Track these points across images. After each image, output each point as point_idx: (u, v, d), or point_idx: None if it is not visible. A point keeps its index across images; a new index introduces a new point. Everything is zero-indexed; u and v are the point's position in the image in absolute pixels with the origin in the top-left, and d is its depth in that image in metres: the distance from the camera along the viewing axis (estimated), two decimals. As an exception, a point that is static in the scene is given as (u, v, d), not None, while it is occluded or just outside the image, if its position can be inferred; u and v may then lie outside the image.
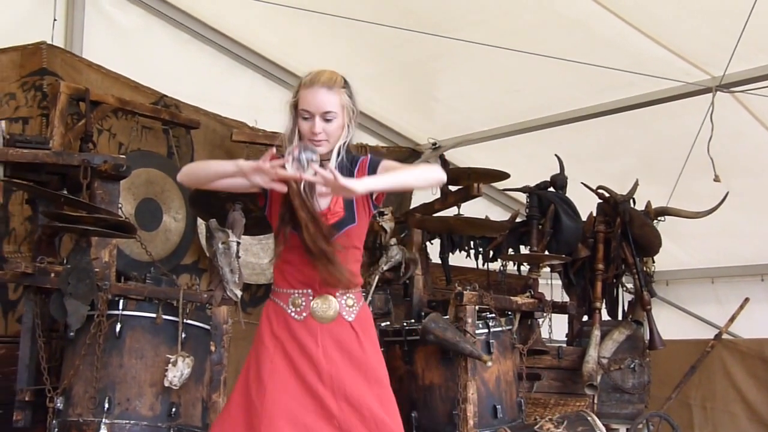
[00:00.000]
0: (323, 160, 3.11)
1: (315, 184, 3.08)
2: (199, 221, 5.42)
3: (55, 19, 5.42)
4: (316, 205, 3.15)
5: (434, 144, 6.81)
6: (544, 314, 5.13)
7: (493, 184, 6.53)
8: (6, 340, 4.38)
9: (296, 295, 3.17)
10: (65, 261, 4.05)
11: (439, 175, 3.14)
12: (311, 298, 3.16)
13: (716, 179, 5.27)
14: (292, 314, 3.16)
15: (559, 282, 5.80)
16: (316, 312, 3.16)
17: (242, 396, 3.14)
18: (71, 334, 3.91)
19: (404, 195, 6.40)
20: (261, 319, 3.24)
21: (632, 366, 5.38)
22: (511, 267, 5.83)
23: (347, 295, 3.22)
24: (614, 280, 5.74)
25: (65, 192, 4.31)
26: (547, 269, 5.75)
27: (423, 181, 3.16)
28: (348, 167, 3.22)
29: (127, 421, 3.84)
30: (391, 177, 3.15)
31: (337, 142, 3.16)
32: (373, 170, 3.21)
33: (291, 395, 3.08)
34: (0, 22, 5.38)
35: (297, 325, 3.15)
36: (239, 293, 4.17)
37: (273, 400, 3.06)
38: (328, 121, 3.13)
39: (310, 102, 3.13)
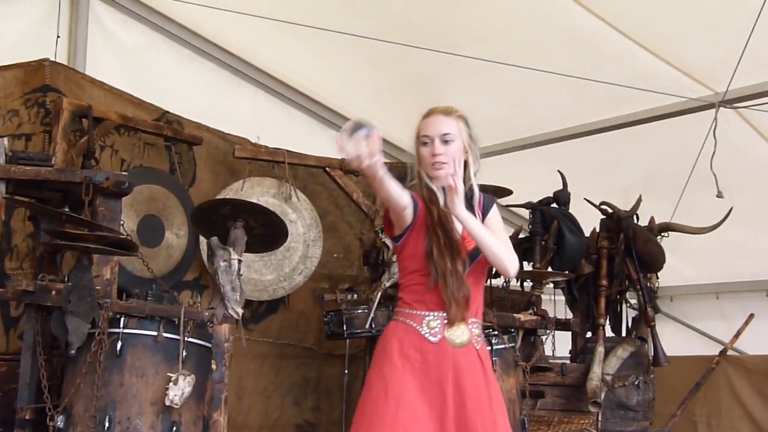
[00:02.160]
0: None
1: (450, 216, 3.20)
2: (202, 237, 5.42)
3: (58, 36, 5.45)
4: (456, 232, 3.26)
5: (439, 159, 6.78)
6: (548, 331, 5.14)
7: (496, 200, 6.49)
8: (7, 357, 4.36)
9: (431, 317, 3.23)
10: (67, 278, 4.05)
11: (513, 266, 3.28)
12: (446, 322, 3.21)
13: (719, 195, 5.27)
14: (427, 335, 3.22)
15: (563, 298, 5.80)
16: (450, 336, 3.21)
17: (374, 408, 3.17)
18: (72, 352, 3.89)
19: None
20: (386, 338, 3.29)
21: (636, 383, 5.36)
22: (514, 283, 5.81)
23: (476, 323, 3.30)
24: (618, 296, 5.74)
25: (67, 209, 4.30)
26: (551, 285, 5.74)
27: (499, 259, 3.26)
28: (468, 199, 3.32)
29: (128, 440, 3.83)
30: (485, 232, 3.25)
31: (461, 169, 3.20)
32: (486, 209, 3.41)
33: (416, 418, 3.14)
34: (4, 39, 5.41)
35: (431, 347, 3.21)
36: (240, 311, 4.16)
37: (402, 422, 3.11)
38: (446, 143, 3.27)
39: (429, 127, 3.32)
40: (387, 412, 3.14)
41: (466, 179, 3.28)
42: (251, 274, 5.61)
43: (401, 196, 3.21)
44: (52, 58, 5.26)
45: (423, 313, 3.24)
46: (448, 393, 3.18)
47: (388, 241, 5.09)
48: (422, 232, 3.28)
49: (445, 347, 3.20)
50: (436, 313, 3.23)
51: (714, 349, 6.95)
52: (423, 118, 3.37)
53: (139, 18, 5.88)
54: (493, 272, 5.55)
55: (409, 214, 3.28)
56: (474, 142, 3.37)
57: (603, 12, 4.92)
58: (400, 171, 6.67)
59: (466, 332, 3.23)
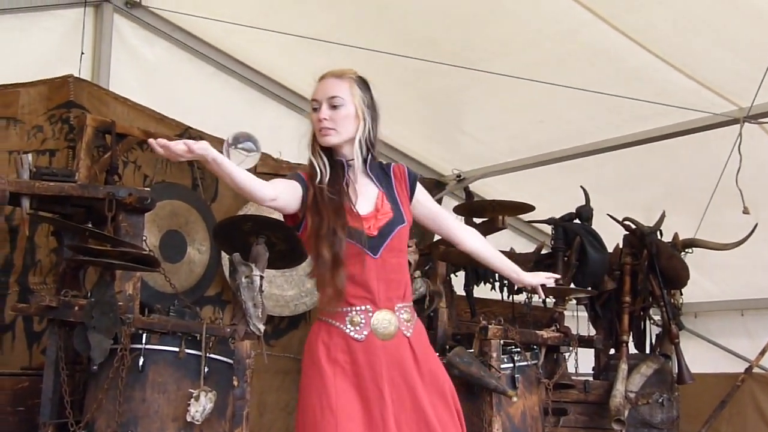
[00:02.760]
0: (348, 161, 3.04)
1: (348, 188, 3.01)
2: (224, 253, 5.43)
3: (82, 53, 5.48)
4: (354, 208, 3.02)
5: (459, 175, 6.79)
6: (570, 348, 5.11)
7: (519, 216, 6.50)
8: (30, 372, 4.39)
9: (354, 312, 2.98)
10: (89, 294, 4.07)
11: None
12: (371, 314, 2.98)
13: (745, 211, 5.21)
14: (352, 333, 2.98)
15: (586, 315, 5.76)
16: (377, 329, 2.98)
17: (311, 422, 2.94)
18: (94, 367, 3.92)
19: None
20: (311, 343, 3.04)
21: (660, 400, 5.32)
22: (536, 299, 5.77)
23: (404, 308, 3.06)
24: (641, 313, 5.69)
25: (90, 225, 4.33)
26: (573, 302, 5.71)
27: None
28: (379, 171, 3.15)
29: (149, 456, 3.84)
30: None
31: (351, 135, 3.03)
32: (413, 182, 3.17)
33: (358, 423, 2.91)
34: (29, 55, 5.45)
35: (358, 346, 2.97)
36: (262, 327, 4.16)
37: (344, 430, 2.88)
38: (334, 107, 3.01)
39: (318, 90, 3.07)
40: (327, 428, 2.88)
41: (357, 146, 3.02)
42: (273, 289, 5.62)
43: (260, 186, 2.86)
44: (76, 75, 5.31)
45: (344, 309, 2.98)
46: (386, 391, 2.93)
47: (410, 257, 5.07)
48: (308, 214, 3.00)
49: (374, 342, 2.95)
50: (359, 307, 2.98)
51: (739, 367, 6.88)
52: (316, 84, 3.08)
53: (162, 34, 5.91)
54: (515, 288, 5.61)
55: (297, 198, 3.01)
56: (371, 107, 3.06)
57: (626, 27, 4.90)
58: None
59: (394, 320, 2.99)
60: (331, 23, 5.45)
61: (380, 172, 3.15)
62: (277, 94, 6.32)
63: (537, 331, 4.99)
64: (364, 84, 3.11)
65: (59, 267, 4.52)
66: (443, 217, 3.32)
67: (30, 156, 4.31)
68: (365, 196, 3.08)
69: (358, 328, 2.98)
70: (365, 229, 3.01)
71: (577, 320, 5.85)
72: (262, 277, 4.18)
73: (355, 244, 2.98)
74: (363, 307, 2.99)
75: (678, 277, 5.54)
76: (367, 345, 2.98)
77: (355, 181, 3.09)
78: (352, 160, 3.06)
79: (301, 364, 5.61)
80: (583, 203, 5.66)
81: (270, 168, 5.71)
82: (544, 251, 5.90)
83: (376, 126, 3.10)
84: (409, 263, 5.04)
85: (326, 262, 2.93)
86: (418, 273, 5.10)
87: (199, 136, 5.67)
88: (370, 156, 3.10)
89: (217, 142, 5.67)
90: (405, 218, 3.10)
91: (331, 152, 3.08)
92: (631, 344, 5.55)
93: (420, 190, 3.21)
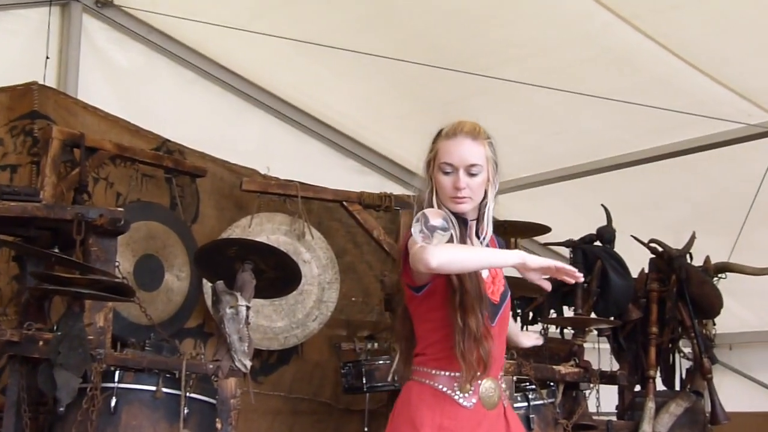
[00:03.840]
0: (471, 221, 3.17)
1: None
2: (206, 280, 5.42)
3: (47, 57, 5.47)
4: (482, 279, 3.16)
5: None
6: (591, 385, 5.10)
7: (533, 238, 6.50)
8: (-12, 414, 4.37)
9: (464, 378, 3.07)
10: (56, 327, 4.05)
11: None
12: (480, 382, 3.09)
13: (783, 232, 5.23)
14: (460, 400, 3.07)
15: (608, 347, 5.75)
16: (484, 397, 3.10)
17: None
18: (61, 409, 3.90)
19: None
20: (413, 406, 3.12)
21: (692, 442, 5.31)
22: (553, 330, 5.78)
23: (502, 377, 3.23)
24: (670, 345, 5.68)
25: (56, 250, 4.32)
26: (594, 333, 5.70)
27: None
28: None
29: None
30: None
31: (480, 202, 3.15)
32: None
33: None
34: (-12, 60, 5.45)
35: (467, 414, 3.07)
36: (249, 363, 4.15)
37: None
38: (472, 175, 3.10)
39: (453, 153, 3.11)
40: None
41: (481, 213, 3.17)
42: (260, 320, 5.61)
43: None
44: (41, 82, 5.30)
45: (454, 373, 3.08)
46: None
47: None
48: (444, 278, 3.12)
49: (480, 412, 3.08)
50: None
51: (779, 405, 6.91)
52: (444, 139, 3.15)
53: (137, 37, 5.91)
54: (530, 318, 5.60)
55: None
56: (497, 172, 3.19)
57: (651, 30, 4.91)
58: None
59: (497, 390, 3.14)
60: (326, 26, 5.45)
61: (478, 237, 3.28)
62: (264, 102, 6.32)
63: (554, 366, 4.99)
64: (493, 142, 3.20)
65: (21, 296, 4.49)
66: None
67: (-11, 172, 4.31)
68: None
69: (467, 395, 3.08)
70: (490, 294, 3.15)
71: (599, 354, 5.84)
72: (248, 308, 4.17)
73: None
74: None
75: (710, 305, 5.53)
76: (474, 413, 3.09)
77: (471, 242, 3.20)
78: (474, 221, 3.18)
79: (293, 403, 5.62)
80: (605, 223, 5.65)
81: (257, 186, 5.70)
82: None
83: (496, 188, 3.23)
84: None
85: (472, 332, 3.04)
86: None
87: (177, 149, 5.68)
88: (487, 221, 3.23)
89: (197, 156, 5.71)
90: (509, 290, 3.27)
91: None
92: (658, 380, 5.54)
93: None
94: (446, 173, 3.11)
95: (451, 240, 3.02)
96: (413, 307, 3.22)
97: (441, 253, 2.90)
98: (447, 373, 3.10)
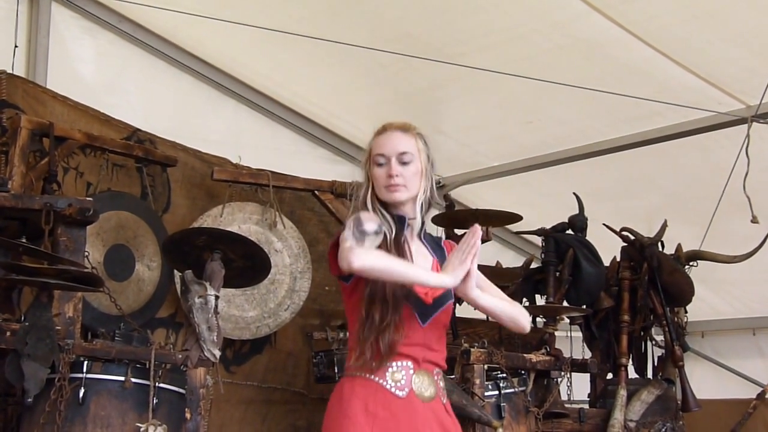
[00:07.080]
0: (409, 219, 3.22)
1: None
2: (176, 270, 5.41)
3: (16, 46, 5.43)
4: None
5: (438, 182, 6.76)
6: (563, 373, 5.12)
7: (505, 227, 6.51)
8: (-45, 407, 4.35)
9: (395, 368, 3.13)
10: (23, 317, 4.03)
11: (528, 320, 3.31)
12: (412, 372, 3.14)
13: (754, 220, 5.24)
14: (393, 389, 3.11)
15: (580, 335, 5.78)
16: (417, 389, 3.14)
17: None
18: (29, 400, 3.88)
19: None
20: (344, 397, 3.16)
21: (663, 430, 5.36)
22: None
23: (441, 375, 3.26)
24: (642, 333, 5.73)
25: (25, 240, 4.30)
26: (566, 321, 5.72)
27: (515, 321, 3.26)
28: (431, 240, 3.34)
29: (92, 499, 3.81)
30: (495, 300, 3.22)
31: (415, 193, 3.21)
32: None
33: None
34: (-45, 49, 5.41)
35: (400, 403, 3.11)
36: (218, 353, 4.15)
37: None
38: (404, 164, 3.20)
39: (385, 144, 3.24)
40: None
41: (417, 207, 3.23)
42: (232, 310, 5.60)
43: None
44: (9, 71, 5.26)
45: (385, 364, 3.12)
46: None
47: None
48: None
49: (414, 402, 3.12)
50: (400, 363, 3.13)
51: (751, 392, 6.94)
52: (376, 136, 3.30)
53: (107, 25, 5.86)
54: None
55: None
56: (431, 165, 3.28)
57: (622, 18, 4.91)
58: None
59: (433, 384, 3.17)
60: (297, 14, 5.43)
61: (432, 242, 3.34)
62: (235, 91, 6.30)
63: (525, 355, 5.01)
64: (425, 140, 3.30)
65: (-11, 287, 4.47)
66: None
67: (-44, 163, 4.28)
68: (420, 261, 3.24)
69: (399, 384, 3.12)
70: (422, 294, 3.17)
71: (571, 342, 5.88)
72: (217, 297, 4.17)
73: (411, 307, 3.15)
74: (404, 363, 3.14)
75: (682, 293, 5.58)
76: (408, 402, 3.12)
77: (411, 241, 3.26)
78: (413, 219, 3.24)
79: (266, 393, 5.62)
80: (577, 212, 5.68)
81: (228, 175, 5.69)
82: (533, 265, 5.92)
83: (434, 186, 3.29)
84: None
85: (374, 322, 3.10)
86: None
87: (148, 139, 5.65)
88: (423, 219, 3.29)
89: (168, 146, 5.68)
90: (452, 295, 3.27)
91: (388, 207, 3.25)
92: (630, 368, 5.58)
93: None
94: (380, 164, 3.22)
95: (385, 241, 3.11)
96: (345, 299, 3.29)
97: (365, 258, 2.98)
98: (376, 365, 3.13)
